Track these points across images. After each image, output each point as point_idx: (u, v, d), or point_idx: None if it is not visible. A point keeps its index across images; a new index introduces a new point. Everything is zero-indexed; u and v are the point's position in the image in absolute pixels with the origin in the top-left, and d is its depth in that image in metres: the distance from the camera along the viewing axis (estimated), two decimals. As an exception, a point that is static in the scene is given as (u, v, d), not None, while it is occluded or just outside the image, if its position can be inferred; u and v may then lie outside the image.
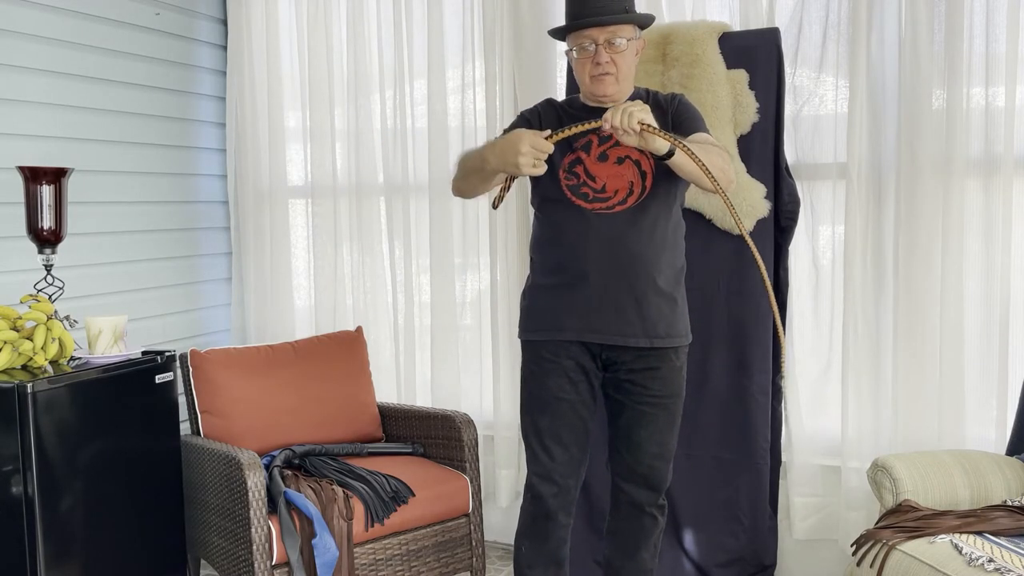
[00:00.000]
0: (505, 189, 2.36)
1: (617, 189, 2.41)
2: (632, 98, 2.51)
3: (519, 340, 2.60)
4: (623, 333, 2.43)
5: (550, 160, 2.35)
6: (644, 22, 2.46)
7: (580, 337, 2.46)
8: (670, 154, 2.22)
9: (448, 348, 3.72)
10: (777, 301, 3.14)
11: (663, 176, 2.41)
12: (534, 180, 2.51)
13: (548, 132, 2.26)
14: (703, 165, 2.19)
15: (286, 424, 3.28)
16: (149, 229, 3.69)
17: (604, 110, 2.44)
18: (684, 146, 2.19)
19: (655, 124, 2.18)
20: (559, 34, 2.49)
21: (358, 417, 3.43)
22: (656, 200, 2.42)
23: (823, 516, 3.22)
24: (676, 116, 2.48)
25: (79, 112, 3.36)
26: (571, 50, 2.45)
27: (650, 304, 2.43)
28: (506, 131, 2.51)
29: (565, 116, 2.52)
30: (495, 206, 2.37)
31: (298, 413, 3.31)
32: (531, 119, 2.54)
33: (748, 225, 3.06)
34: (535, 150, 2.20)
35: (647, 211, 2.42)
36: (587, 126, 2.26)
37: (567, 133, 2.26)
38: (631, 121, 2.14)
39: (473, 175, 2.41)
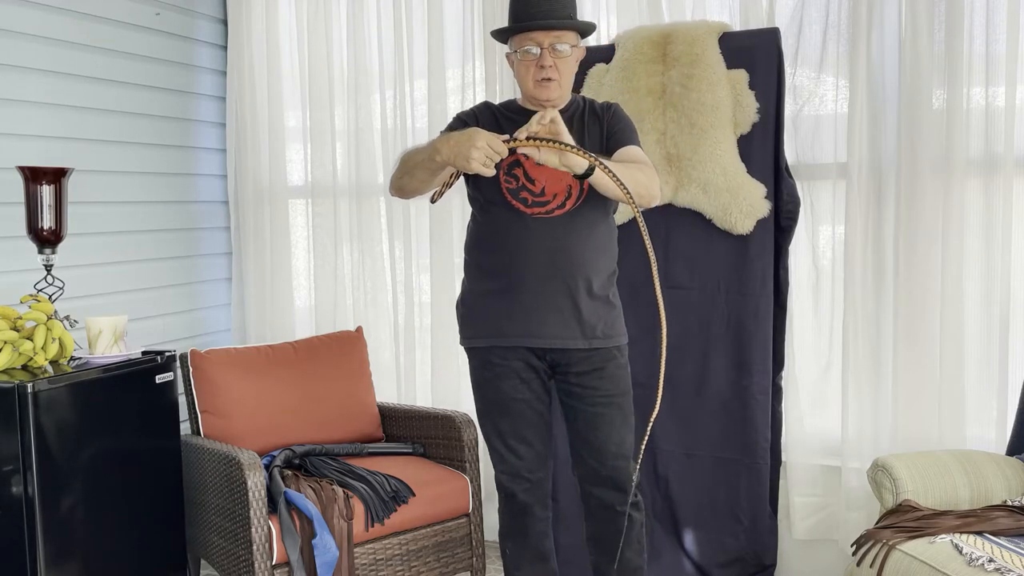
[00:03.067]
0: (447, 185, 2.35)
1: (556, 192, 2.43)
2: (569, 105, 2.53)
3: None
4: (562, 336, 2.46)
5: None
6: (587, 30, 2.50)
7: (522, 342, 2.49)
8: (589, 172, 2.21)
9: (448, 348, 3.72)
10: (777, 301, 3.15)
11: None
12: (472, 180, 2.51)
13: (506, 136, 2.23)
14: (618, 180, 2.19)
15: (286, 424, 3.28)
16: (149, 229, 3.69)
17: None
18: (602, 164, 2.18)
19: (570, 140, 2.17)
20: (502, 36, 2.50)
21: (358, 417, 3.43)
22: (593, 204, 2.44)
23: (823, 516, 3.22)
24: (610, 126, 2.50)
25: (79, 112, 3.36)
26: (514, 52, 2.46)
27: (586, 307, 2.46)
28: (442, 133, 2.50)
29: (502, 119, 2.53)
30: (433, 201, 2.38)
31: (298, 413, 3.31)
32: (468, 121, 2.54)
33: (748, 225, 3.07)
34: (489, 149, 2.17)
35: (584, 215, 2.44)
36: (552, 145, 2.18)
37: (526, 144, 2.19)
38: (544, 123, 2.16)
39: (420, 169, 2.36)
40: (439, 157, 2.25)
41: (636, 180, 2.29)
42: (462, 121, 2.56)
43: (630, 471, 2.55)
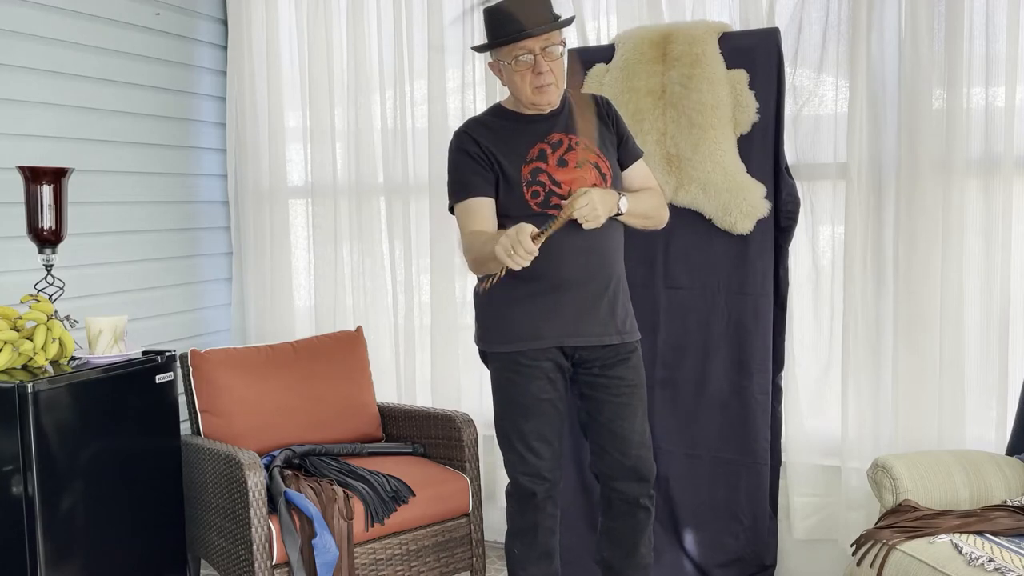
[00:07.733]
0: (499, 277, 2.36)
1: None
2: (564, 104, 2.54)
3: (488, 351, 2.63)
4: (599, 334, 2.53)
5: (508, 180, 2.44)
6: (569, 25, 2.53)
7: (559, 343, 2.51)
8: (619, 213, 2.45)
9: (448, 348, 3.72)
10: (777, 301, 3.15)
11: (617, 178, 2.54)
12: (500, 204, 2.50)
13: (536, 232, 2.23)
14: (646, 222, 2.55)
15: (286, 424, 3.28)
16: (149, 229, 3.69)
17: (540, 116, 2.51)
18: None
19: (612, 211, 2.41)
20: (484, 47, 2.50)
21: (358, 417, 3.43)
22: None
23: (823, 516, 3.22)
24: (618, 129, 2.58)
25: (79, 112, 3.36)
26: (504, 62, 2.45)
27: (618, 302, 2.55)
28: (451, 174, 2.52)
29: (498, 127, 2.53)
30: (486, 288, 2.42)
31: (298, 413, 3.31)
32: (469, 150, 2.50)
33: (748, 225, 3.07)
34: (523, 253, 2.20)
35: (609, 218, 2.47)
36: (561, 221, 2.29)
37: (549, 233, 2.27)
38: (595, 215, 2.29)
39: (490, 261, 2.36)
40: (496, 258, 2.28)
41: (649, 216, 2.56)
42: (466, 153, 2.51)
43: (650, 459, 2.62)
